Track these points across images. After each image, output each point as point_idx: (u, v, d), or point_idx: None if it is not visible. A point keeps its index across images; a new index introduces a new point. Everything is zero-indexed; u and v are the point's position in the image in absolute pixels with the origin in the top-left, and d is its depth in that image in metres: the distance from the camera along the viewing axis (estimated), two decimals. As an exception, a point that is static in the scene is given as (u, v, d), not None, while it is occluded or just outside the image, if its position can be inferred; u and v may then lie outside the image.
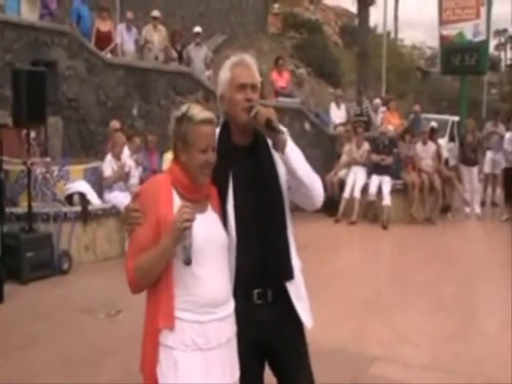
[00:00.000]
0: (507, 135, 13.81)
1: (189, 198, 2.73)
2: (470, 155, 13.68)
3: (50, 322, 6.47)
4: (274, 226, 2.88)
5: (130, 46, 13.23)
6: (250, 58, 2.97)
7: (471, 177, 13.71)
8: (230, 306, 2.79)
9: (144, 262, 2.62)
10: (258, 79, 2.93)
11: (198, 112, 2.72)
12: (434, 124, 14.37)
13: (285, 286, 2.90)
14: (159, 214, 2.66)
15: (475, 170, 13.82)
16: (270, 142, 2.87)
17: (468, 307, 7.32)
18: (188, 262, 2.59)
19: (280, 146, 2.77)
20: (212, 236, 2.73)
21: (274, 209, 2.89)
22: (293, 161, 2.78)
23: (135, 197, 2.79)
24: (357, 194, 12.67)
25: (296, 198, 2.92)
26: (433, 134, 13.60)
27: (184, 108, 2.76)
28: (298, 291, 2.95)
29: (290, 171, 2.81)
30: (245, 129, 2.90)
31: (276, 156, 2.87)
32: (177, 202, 2.70)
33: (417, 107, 15.69)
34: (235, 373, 2.80)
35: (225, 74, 2.94)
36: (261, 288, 2.89)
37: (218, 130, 2.94)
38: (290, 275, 2.91)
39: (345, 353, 5.65)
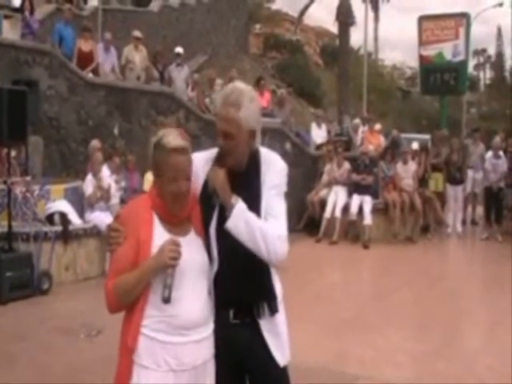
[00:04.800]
0: (488, 154, 13.90)
1: (168, 220, 2.74)
2: (455, 174, 13.73)
3: (29, 342, 6.39)
4: (250, 264, 2.82)
5: (107, 67, 13.16)
6: (240, 102, 2.82)
7: (456, 195, 13.77)
8: (208, 329, 2.78)
9: (122, 284, 2.64)
10: (236, 127, 2.81)
11: (171, 140, 2.70)
12: (415, 145, 14.45)
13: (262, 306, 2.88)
14: (139, 235, 2.68)
15: (460, 188, 13.88)
16: (262, 170, 2.87)
17: (449, 326, 7.33)
18: (167, 300, 2.60)
19: (227, 211, 2.76)
20: (192, 259, 2.72)
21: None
22: (233, 231, 2.74)
23: (116, 218, 2.80)
24: (338, 213, 12.71)
25: None
26: (416, 155, 13.69)
27: (160, 134, 2.75)
28: (273, 326, 2.91)
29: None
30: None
31: (264, 185, 2.86)
32: (157, 224, 2.72)
33: (395, 132, 15.72)
34: None
35: (217, 106, 2.93)
36: (237, 308, 2.87)
37: (211, 154, 2.94)
38: (263, 315, 2.88)
39: (327, 372, 5.64)
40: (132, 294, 2.66)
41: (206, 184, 2.86)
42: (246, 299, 2.86)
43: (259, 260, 2.81)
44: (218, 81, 14.84)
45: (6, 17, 11.74)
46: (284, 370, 2.96)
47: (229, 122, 2.81)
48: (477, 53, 69.79)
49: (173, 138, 2.72)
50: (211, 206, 2.85)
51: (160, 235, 2.69)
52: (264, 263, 2.85)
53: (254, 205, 2.81)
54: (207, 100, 14.28)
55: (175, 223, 2.75)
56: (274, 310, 2.90)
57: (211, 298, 2.83)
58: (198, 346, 2.72)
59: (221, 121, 2.83)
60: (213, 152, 2.96)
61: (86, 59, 12.56)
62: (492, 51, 73.42)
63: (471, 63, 56.94)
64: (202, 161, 2.93)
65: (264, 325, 2.89)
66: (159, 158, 2.70)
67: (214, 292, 2.84)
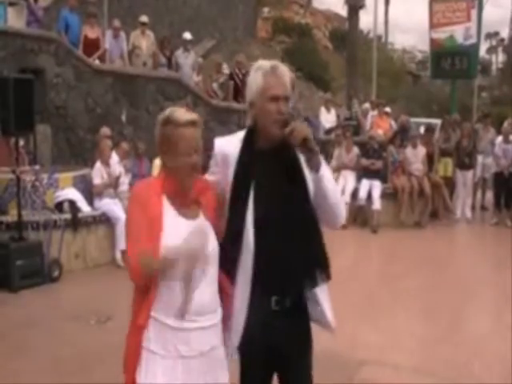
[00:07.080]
0: (497, 140, 13.79)
1: (178, 201, 2.74)
2: (464, 159, 13.64)
3: (40, 330, 6.45)
4: (300, 237, 2.85)
5: (115, 54, 13.10)
6: (283, 68, 2.89)
7: (465, 181, 13.69)
8: (217, 315, 2.80)
9: (146, 255, 2.61)
10: (290, 90, 2.87)
11: (181, 115, 2.72)
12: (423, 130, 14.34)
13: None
14: (148, 212, 2.66)
15: (470, 174, 13.75)
16: (302, 159, 2.83)
17: (456, 311, 7.33)
18: (181, 316, 2.64)
19: (314, 166, 2.76)
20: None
21: (301, 219, 2.85)
22: (325, 183, 2.78)
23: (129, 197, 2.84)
24: (347, 198, 12.67)
25: (319, 215, 2.91)
26: (422, 138, 13.64)
27: (167, 111, 2.76)
28: (324, 293, 3.07)
29: (320, 191, 2.81)
30: (273, 137, 2.84)
31: (302, 161, 2.83)
32: (166, 205, 2.72)
33: (403, 117, 15.52)
34: (220, 382, 2.80)
35: (256, 80, 2.86)
36: (279, 296, 2.88)
37: (242, 135, 2.92)
38: (317, 283, 2.99)
39: (334, 357, 5.64)
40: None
41: (242, 168, 2.84)
42: (298, 271, 2.88)
43: (312, 224, 2.88)
44: (225, 65, 14.81)
45: (11, 4, 11.69)
46: (311, 357, 3.07)
47: (287, 86, 2.84)
48: (489, 36, 68.89)
49: (182, 112, 2.74)
50: (247, 193, 2.81)
51: (169, 214, 2.70)
52: (316, 227, 2.91)
53: (301, 182, 2.82)
54: (214, 85, 14.24)
55: (184, 205, 2.75)
56: (329, 277, 3.01)
57: (248, 284, 2.82)
58: (205, 333, 2.73)
59: (280, 86, 2.82)
60: (238, 135, 2.94)
61: (92, 46, 12.49)
62: (505, 34, 72.56)
63: (483, 47, 56.34)
64: (231, 146, 2.90)
65: (320, 293, 3.05)
66: (172, 133, 2.70)
67: (252, 280, 2.81)
